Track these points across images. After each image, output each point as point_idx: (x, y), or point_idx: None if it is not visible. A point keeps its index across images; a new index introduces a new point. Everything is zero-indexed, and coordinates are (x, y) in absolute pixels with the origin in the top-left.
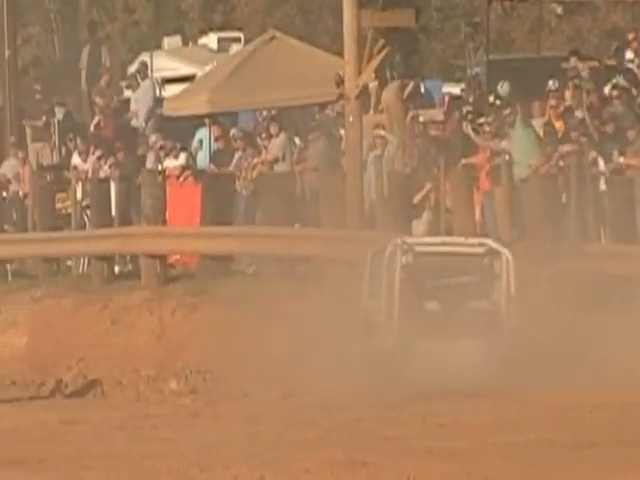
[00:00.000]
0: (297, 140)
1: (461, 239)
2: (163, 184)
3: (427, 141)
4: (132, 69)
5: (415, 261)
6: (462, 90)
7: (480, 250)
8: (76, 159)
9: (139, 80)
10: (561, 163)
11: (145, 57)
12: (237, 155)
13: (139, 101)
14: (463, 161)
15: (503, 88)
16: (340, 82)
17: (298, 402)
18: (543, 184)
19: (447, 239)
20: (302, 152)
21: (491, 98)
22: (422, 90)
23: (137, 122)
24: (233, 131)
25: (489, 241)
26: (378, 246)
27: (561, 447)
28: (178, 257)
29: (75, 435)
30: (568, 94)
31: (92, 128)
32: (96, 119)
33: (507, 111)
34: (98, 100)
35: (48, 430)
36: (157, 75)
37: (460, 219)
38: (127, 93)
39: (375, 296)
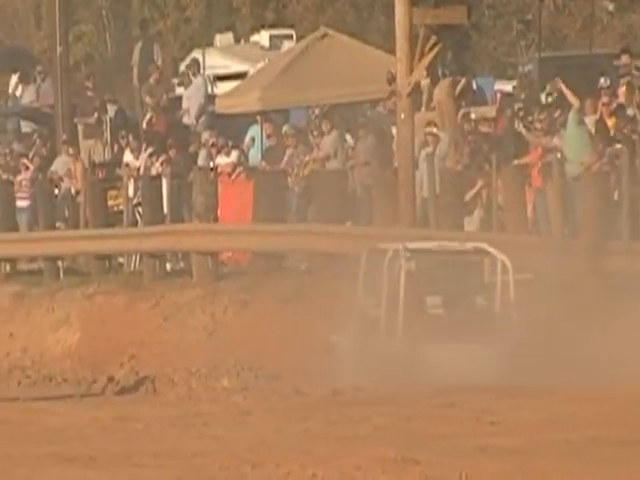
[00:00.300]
0: (348, 137)
1: (457, 244)
2: (215, 181)
3: (479, 138)
4: (184, 66)
5: (416, 266)
6: (514, 87)
7: (476, 255)
8: (128, 156)
9: (191, 77)
10: (613, 161)
11: (197, 54)
12: (289, 152)
13: (191, 98)
14: (515, 162)
15: (556, 83)
16: (392, 79)
17: (349, 399)
18: (595, 181)
19: (445, 244)
20: (352, 149)
21: (543, 96)
22: (474, 87)
23: (189, 119)
24: (285, 128)
25: (485, 246)
26: (374, 245)
27: (615, 444)
28: (230, 254)
29: (127, 432)
30: (620, 91)
31: (144, 125)
32: (148, 116)
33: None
34: (147, 98)
35: (100, 427)
36: (209, 72)
37: (512, 216)
38: (179, 90)
39: (370, 293)
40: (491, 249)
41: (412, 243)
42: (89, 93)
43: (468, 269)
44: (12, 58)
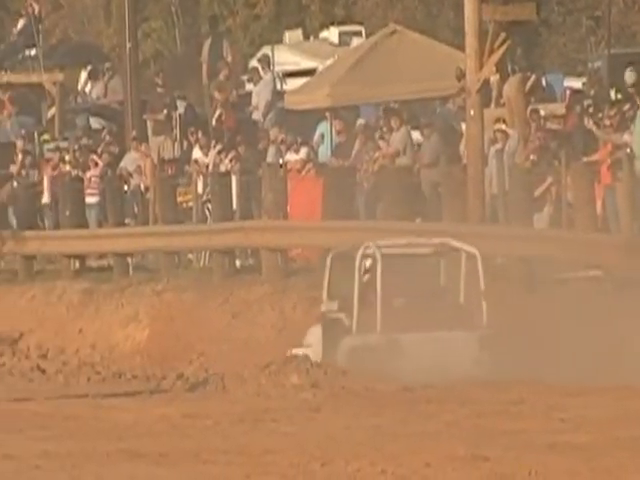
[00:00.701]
0: (416, 134)
1: (424, 240)
2: (284, 178)
3: (548, 135)
4: (254, 62)
5: (385, 262)
6: (583, 84)
7: (441, 249)
8: (197, 153)
9: (260, 73)
10: None
11: (266, 51)
12: (358, 148)
13: (260, 94)
14: (585, 159)
15: (629, 75)
16: (461, 76)
17: (418, 396)
18: None
19: (412, 240)
20: (419, 147)
21: (612, 93)
22: (543, 84)
23: (258, 116)
24: (356, 124)
25: (450, 240)
26: (339, 249)
27: None
28: (299, 251)
29: (196, 429)
30: None
31: (213, 122)
32: (217, 113)
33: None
34: (216, 94)
35: (169, 424)
36: (278, 69)
37: (581, 213)
38: (248, 87)
39: (333, 297)
40: (457, 243)
41: (381, 241)
42: (159, 89)
43: (437, 265)
44: (82, 54)
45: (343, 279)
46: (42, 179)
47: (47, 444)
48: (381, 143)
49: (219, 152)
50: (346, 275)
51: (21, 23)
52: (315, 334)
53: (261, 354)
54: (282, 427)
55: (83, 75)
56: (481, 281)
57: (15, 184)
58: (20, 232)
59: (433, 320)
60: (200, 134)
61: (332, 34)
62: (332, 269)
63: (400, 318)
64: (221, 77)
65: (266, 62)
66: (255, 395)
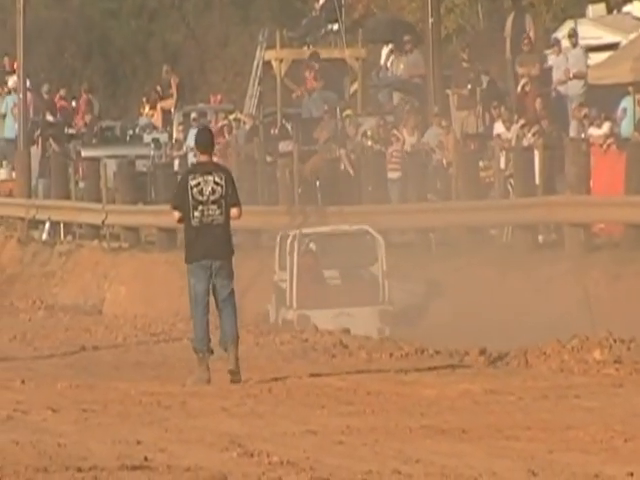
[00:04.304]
0: None
1: (346, 227)
2: (587, 152)
3: None
4: (558, 35)
5: (314, 246)
6: None
7: (360, 232)
8: (499, 127)
9: (563, 47)
10: None
11: (570, 25)
12: None
13: (570, 67)
14: None
15: None
16: None
17: None
18: None
19: (334, 227)
20: None
21: None
22: None
23: (562, 89)
24: None
25: (367, 227)
26: (284, 231)
27: None
28: (602, 226)
29: (499, 405)
30: None
31: (516, 96)
32: (520, 87)
33: None
34: (519, 69)
35: (471, 400)
36: (582, 43)
37: None
38: (551, 61)
39: (284, 269)
40: (371, 230)
41: (308, 229)
42: (464, 64)
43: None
44: (386, 30)
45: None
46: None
47: (350, 420)
48: None
49: (522, 126)
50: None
51: None
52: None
53: (564, 329)
54: (585, 403)
55: (385, 50)
56: (384, 263)
57: (317, 159)
58: (323, 207)
59: (346, 297)
60: (502, 109)
61: (635, 8)
62: (281, 246)
63: (319, 295)
64: (524, 52)
65: (573, 39)
66: (558, 371)
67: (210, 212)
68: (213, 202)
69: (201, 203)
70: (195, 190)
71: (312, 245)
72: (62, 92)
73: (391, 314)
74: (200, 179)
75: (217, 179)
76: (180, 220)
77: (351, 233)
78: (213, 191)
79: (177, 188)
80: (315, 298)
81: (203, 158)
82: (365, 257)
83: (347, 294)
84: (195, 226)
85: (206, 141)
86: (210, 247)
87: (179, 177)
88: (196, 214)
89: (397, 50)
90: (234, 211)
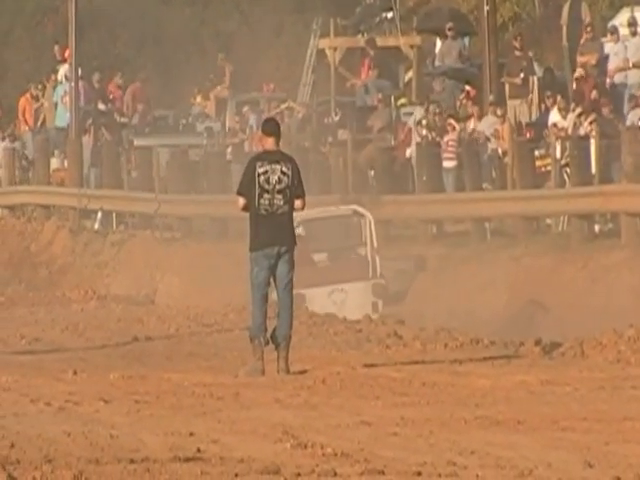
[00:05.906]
0: None
1: (335, 208)
2: None
3: None
4: (615, 23)
5: (305, 229)
6: None
7: (348, 212)
8: (555, 116)
9: (621, 35)
10: None
11: (626, 12)
12: None
13: (619, 55)
14: None
15: None
16: None
17: None
18: None
19: (326, 209)
20: None
21: None
22: None
23: (619, 78)
24: None
25: (357, 207)
26: None
27: None
28: None
29: (554, 396)
30: None
31: (573, 85)
32: (577, 75)
33: None
34: (580, 58)
35: (527, 390)
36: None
37: None
38: (607, 49)
39: None
40: (359, 208)
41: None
42: (517, 53)
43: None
44: (440, 18)
45: None
46: (400, 143)
47: (404, 411)
48: None
49: (579, 115)
50: None
51: None
52: None
53: (620, 320)
54: None
55: (439, 39)
56: (374, 239)
57: (372, 148)
58: (378, 196)
59: (338, 274)
60: (559, 97)
61: None
62: None
63: (311, 275)
64: (581, 40)
65: (633, 24)
66: (614, 361)
67: (276, 201)
68: (279, 191)
69: (267, 191)
70: (262, 178)
71: (300, 230)
72: (117, 79)
73: (384, 287)
74: (267, 167)
75: (284, 169)
76: (245, 207)
77: (339, 216)
78: (279, 180)
79: (243, 175)
80: (307, 278)
81: (270, 146)
82: (356, 237)
83: (338, 272)
84: (261, 214)
85: (274, 129)
86: (275, 234)
87: (246, 163)
88: (262, 202)
89: (450, 38)
90: (298, 202)
